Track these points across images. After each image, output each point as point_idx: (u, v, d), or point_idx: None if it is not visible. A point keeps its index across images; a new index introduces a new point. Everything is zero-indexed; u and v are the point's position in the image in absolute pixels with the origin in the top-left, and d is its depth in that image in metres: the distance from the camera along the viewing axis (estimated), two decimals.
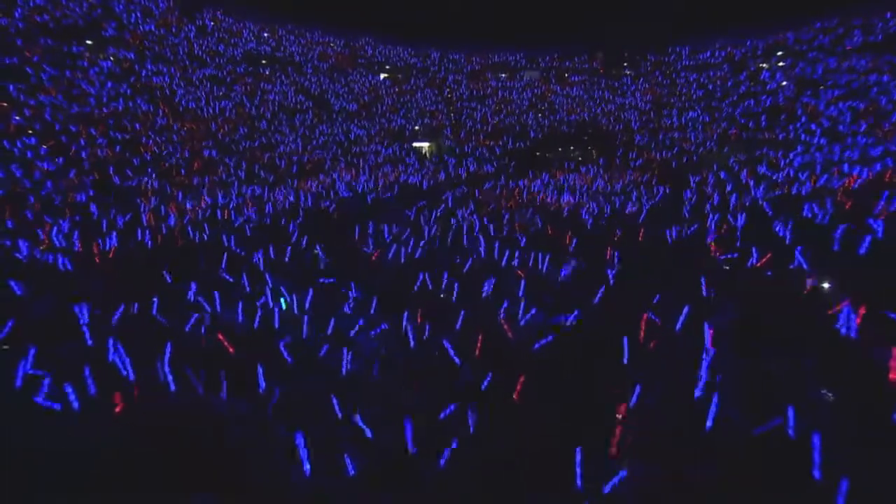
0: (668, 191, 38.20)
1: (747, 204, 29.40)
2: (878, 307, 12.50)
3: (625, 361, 11.75)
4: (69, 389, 9.85)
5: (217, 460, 8.73)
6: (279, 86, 71.08)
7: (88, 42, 57.53)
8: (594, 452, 8.77)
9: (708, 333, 12.50)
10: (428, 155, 66.62)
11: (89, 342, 12.42)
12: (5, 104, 42.89)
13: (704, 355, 11.30)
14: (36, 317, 14.89)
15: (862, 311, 11.33)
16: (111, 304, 14.77)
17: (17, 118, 40.64)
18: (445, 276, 17.51)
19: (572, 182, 42.53)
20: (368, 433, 9.47)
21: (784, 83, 68.05)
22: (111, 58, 57.07)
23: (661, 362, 11.65)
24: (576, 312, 14.14)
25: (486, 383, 11.21)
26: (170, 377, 10.72)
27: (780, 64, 75.69)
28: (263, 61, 77.99)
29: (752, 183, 36.42)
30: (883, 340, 10.43)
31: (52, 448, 9.03)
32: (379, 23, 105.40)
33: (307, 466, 8.27)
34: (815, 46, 73.47)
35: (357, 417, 9.79)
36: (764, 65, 79.12)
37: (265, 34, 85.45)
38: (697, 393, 10.43)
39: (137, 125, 47.86)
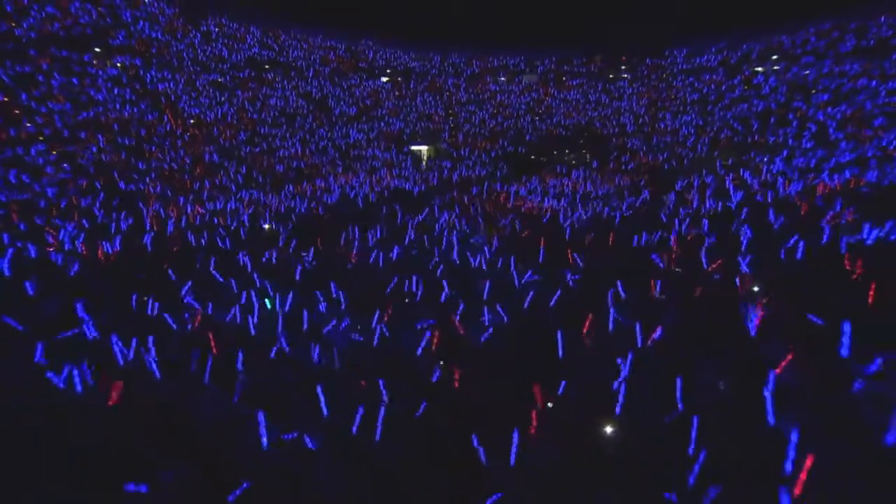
0: (648, 195, 39.45)
1: (720, 210, 30.64)
2: (800, 309, 13.94)
3: (560, 356, 13.22)
4: (74, 375, 11.55)
5: (193, 436, 10.34)
6: (281, 90, 72.93)
7: (97, 49, 59.58)
8: (515, 431, 10.29)
9: (638, 332, 14.07)
10: (425, 158, 68.12)
11: (89, 336, 14.10)
12: (17, 111, 45.05)
13: (630, 353, 12.83)
14: (45, 314, 16.62)
15: (760, 312, 12.75)
16: (111, 302, 16.51)
17: (29, 125, 42.71)
18: (415, 278, 19.05)
19: (558, 187, 43.83)
20: (324, 413, 11.08)
21: (777, 87, 68.87)
22: (118, 65, 59.14)
23: (592, 357, 13.10)
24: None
25: (435, 374, 12.77)
26: (156, 366, 12.41)
27: (775, 68, 76.42)
28: (266, 66, 79.84)
29: (731, 188, 37.60)
30: (780, 338, 11.86)
31: (53, 426, 10.71)
32: (383, 25, 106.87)
33: (265, 441, 9.86)
34: (809, 51, 74.10)
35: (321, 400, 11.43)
36: (759, 68, 79.84)
37: (268, 39, 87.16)
38: (617, 384, 11.93)
39: (143, 130, 49.81)
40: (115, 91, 53.71)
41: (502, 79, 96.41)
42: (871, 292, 13.75)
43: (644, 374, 12.10)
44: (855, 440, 8.43)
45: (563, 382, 11.88)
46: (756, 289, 15.81)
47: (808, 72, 68.18)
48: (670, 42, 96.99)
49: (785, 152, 49.07)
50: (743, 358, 11.64)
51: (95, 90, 51.48)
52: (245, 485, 8.27)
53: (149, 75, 59.57)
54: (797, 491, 7.23)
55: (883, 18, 69.78)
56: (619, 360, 12.36)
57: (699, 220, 28.06)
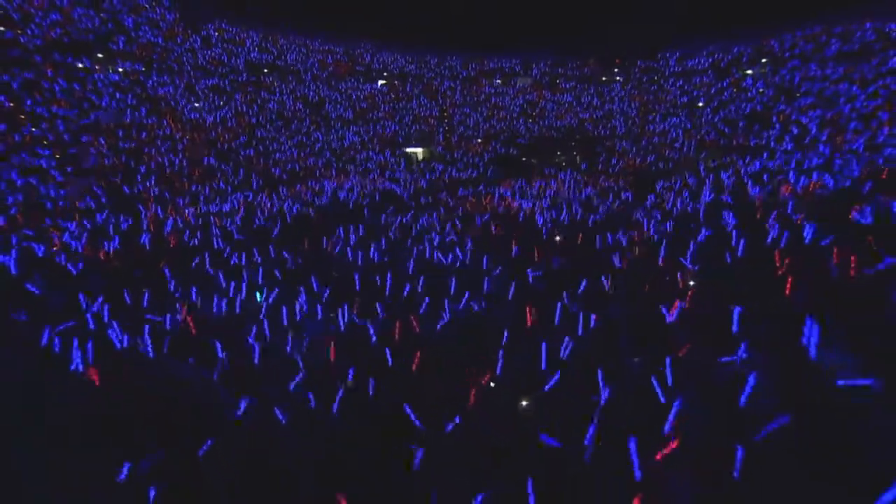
0: (629, 197, 41.05)
1: (689, 210, 32.21)
2: (721, 301, 15.58)
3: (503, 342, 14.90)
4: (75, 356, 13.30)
5: (177, 409, 12.04)
6: (278, 94, 74.72)
7: (99, 55, 61.49)
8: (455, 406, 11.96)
9: (581, 323, 15.74)
10: (420, 160, 69.83)
11: (91, 325, 15.86)
12: (22, 116, 46.95)
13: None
14: (50, 308, 18.39)
15: (676, 304, 14.39)
16: (111, 296, 18.29)
17: (34, 130, 44.61)
18: (388, 275, 20.75)
19: (543, 188, 45.45)
20: (291, 390, 12.82)
21: (762, 90, 70.33)
22: (119, 70, 61.03)
23: (532, 344, 14.75)
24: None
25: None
26: (150, 349, 14.19)
27: (763, 71, 77.82)
28: (265, 70, 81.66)
29: (707, 190, 39.13)
30: (693, 326, 13.52)
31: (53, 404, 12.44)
32: (382, 26, 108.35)
33: (238, 412, 11.58)
34: (797, 54, 75.44)
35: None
36: (749, 71, 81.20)
37: (267, 43, 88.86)
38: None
39: (144, 134, 51.66)
40: (118, 96, 55.61)
41: (498, 81, 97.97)
42: (788, 286, 15.37)
43: (577, 358, 13.76)
44: (720, 406, 10.09)
45: (500, 365, 13.60)
46: (691, 283, 17.45)
47: (793, 75, 69.57)
48: (670, 41, 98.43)
49: (765, 154, 50.55)
50: (661, 344, 13.29)
51: (98, 95, 53.36)
52: (209, 441, 9.93)
53: (150, 81, 61.44)
54: (667, 450, 8.90)
55: (869, 24, 71.12)
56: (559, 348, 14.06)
57: (671, 220, 29.60)
